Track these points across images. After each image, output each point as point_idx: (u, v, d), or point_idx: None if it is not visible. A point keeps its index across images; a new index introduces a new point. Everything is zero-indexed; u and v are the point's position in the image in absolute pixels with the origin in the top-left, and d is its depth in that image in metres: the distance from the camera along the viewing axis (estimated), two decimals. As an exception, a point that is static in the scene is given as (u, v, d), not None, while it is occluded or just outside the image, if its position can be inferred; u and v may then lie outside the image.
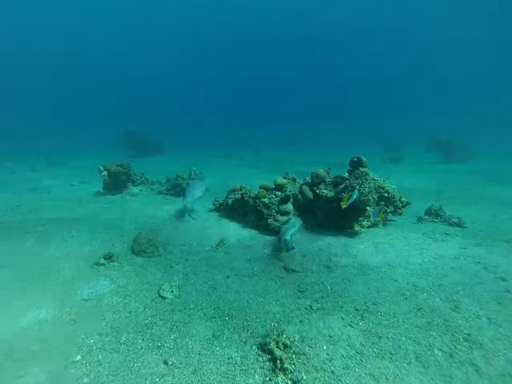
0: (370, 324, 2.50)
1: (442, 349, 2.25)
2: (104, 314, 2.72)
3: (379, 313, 2.63)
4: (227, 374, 2.08)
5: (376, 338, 2.36)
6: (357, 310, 2.71)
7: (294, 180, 5.55)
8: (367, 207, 4.76)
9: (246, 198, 5.42)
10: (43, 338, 2.38)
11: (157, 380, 2.04)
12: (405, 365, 2.12)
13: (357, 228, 5.03)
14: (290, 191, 5.16)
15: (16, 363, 2.13)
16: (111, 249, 4.13)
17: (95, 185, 8.85)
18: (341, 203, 4.29)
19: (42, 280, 3.25)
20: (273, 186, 5.36)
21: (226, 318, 2.68)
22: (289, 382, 2.02)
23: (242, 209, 5.65)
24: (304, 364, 2.15)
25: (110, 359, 2.21)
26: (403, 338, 2.36)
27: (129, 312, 2.76)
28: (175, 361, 2.19)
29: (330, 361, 2.17)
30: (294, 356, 2.21)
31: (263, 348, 2.27)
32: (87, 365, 2.15)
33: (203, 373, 2.09)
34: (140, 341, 2.39)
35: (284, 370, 2.08)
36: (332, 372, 2.08)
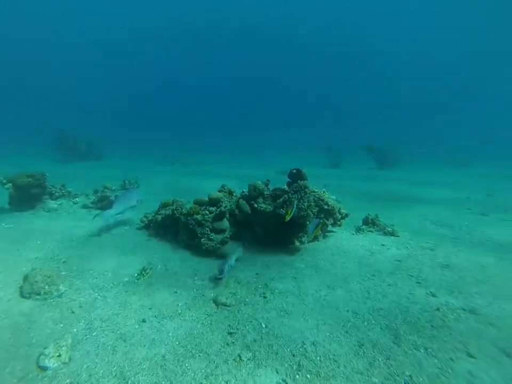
0: (308, 376, 2.12)
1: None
2: None
3: (318, 358, 2.28)
4: None
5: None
6: (293, 355, 2.32)
7: (230, 193, 5.08)
8: (307, 222, 4.52)
9: (177, 215, 4.78)
10: None
11: None
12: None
13: (297, 243, 4.78)
14: (225, 207, 4.67)
15: None
16: (-12, 294, 3.15)
17: (-1, 200, 7.24)
18: (285, 216, 3.99)
19: None
20: (208, 200, 4.83)
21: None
22: None
23: (174, 227, 4.99)
24: None
25: None
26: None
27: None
28: None
29: None
30: None
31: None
32: None
33: None
34: None
35: None
36: None
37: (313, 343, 2.46)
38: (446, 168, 17.34)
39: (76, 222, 5.97)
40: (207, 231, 4.46)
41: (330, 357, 2.29)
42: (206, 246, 4.35)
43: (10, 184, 6.67)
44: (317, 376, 2.11)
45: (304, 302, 3.14)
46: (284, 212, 4.24)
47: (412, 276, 3.79)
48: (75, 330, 2.64)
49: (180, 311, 2.97)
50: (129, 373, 2.15)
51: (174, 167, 17.17)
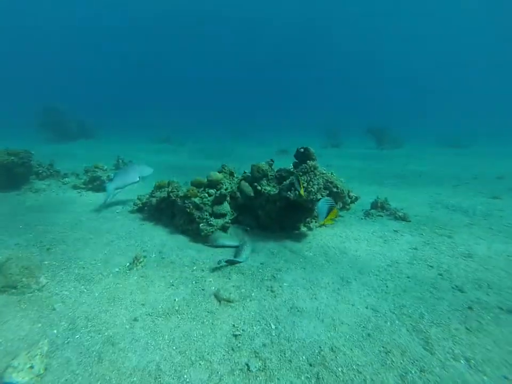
0: (329, 392, 1.79)
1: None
2: None
3: (340, 369, 1.94)
4: None
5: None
6: (310, 365, 1.98)
7: (231, 174, 4.63)
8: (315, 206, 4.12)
9: (173, 198, 4.35)
10: None
11: None
12: None
13: (303, 229, 4.41)
14: (226, 189, 4.24)
15: None
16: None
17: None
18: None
19: None
20: (207, 182, 4.38)
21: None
22: None
23: (170, 210, 4.58)
24: None
25: None
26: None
27: None
28: None
29: None
30: None
31: None
32: None
33: None
34: None
35: None
36: None
37: (332, 348, 2.12)
38: (449, 148, 16.89)
39: (64, 206, 5.54)
40: (207, 215, 4.06)
41: (354, 367, 1.96)
42: (205, 231, 3.96)
43: (-10, 163, 6.17)
44: (339, 392, 1.78)
45: (317, 297, 2.79)
46: (291, 194, 3.83)
47: (431, 266, 3.44)
48: (55, 331, 2.28)
49: (177, 308, 2.61)
50: (116, 388, 1.81)
51: (173, 146, 16.64)
